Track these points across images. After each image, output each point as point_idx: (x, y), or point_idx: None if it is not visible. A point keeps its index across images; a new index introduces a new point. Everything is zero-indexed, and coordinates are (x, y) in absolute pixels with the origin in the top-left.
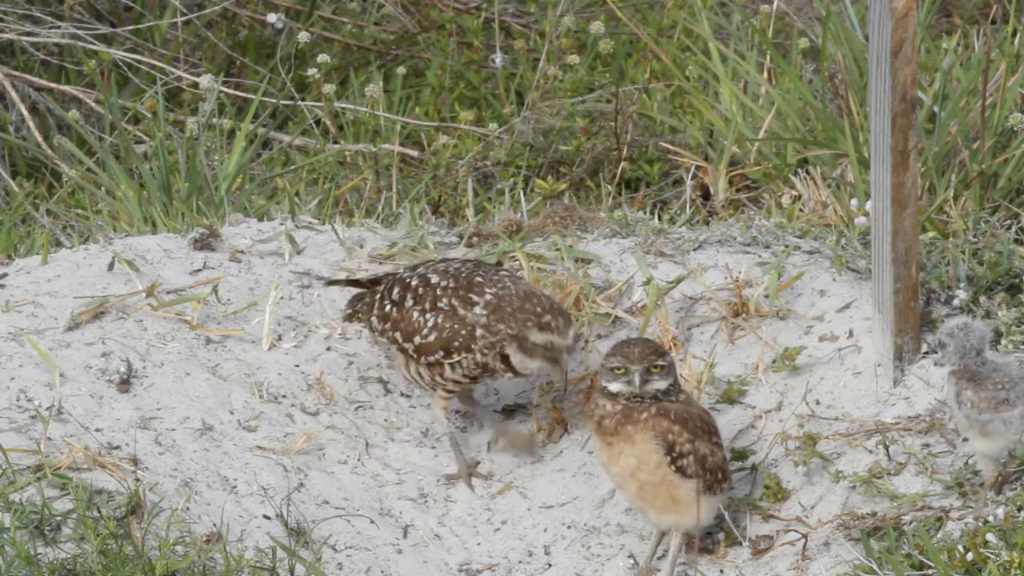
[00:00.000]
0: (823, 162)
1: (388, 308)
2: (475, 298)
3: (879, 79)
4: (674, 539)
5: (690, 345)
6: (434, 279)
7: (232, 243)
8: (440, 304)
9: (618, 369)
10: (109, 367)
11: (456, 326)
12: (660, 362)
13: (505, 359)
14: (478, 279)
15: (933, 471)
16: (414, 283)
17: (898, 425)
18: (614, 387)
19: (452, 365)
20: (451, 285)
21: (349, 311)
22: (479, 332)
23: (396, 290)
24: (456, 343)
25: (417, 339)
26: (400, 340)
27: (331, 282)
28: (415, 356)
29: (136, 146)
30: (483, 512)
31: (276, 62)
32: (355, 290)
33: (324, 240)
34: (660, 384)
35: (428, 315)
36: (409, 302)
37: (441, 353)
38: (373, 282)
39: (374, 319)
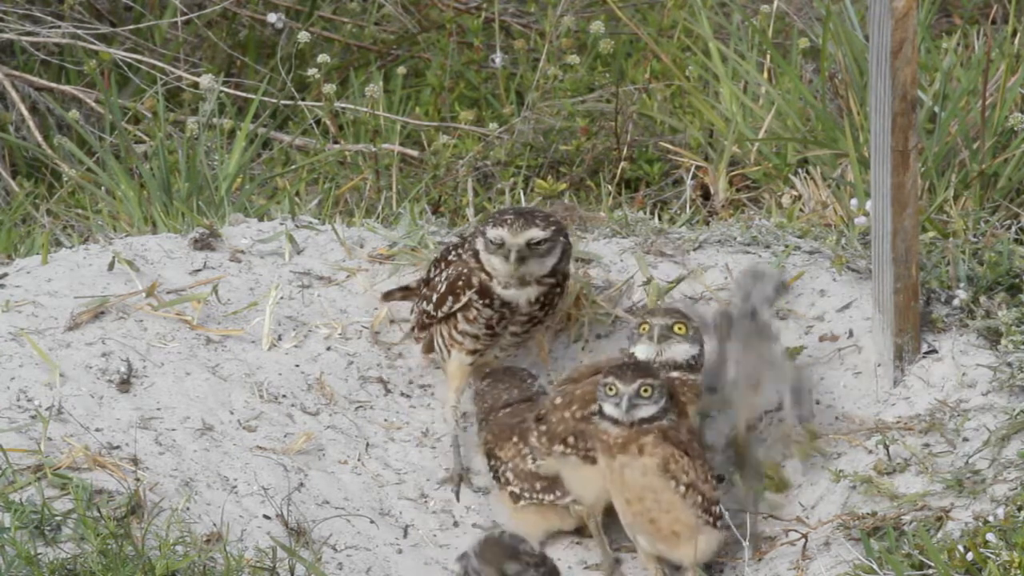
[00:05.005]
0: (823, 162)
1: (424, 290)
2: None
3: (879, 79)
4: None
5: None
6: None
7: (232, 243)
8: (450, 257)
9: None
10: (109, 367)
11: (460, 268)
12: (651, 382)
13: (476, 256)
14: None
15: (933, 471)
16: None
17: (898, 425)
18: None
19: (465, 308)
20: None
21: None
22: (470, 259)
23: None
24: (460, 282)
25: (434, 295)
26: (424, 304)
27: (386, 295)
28: (434, 313)
29: (136, 146)
30: (483, 512)
31: (276, 62)
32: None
33: (324, 240)
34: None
35: (442, 271)
36: (433, 271)
37: (451, 300)
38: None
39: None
